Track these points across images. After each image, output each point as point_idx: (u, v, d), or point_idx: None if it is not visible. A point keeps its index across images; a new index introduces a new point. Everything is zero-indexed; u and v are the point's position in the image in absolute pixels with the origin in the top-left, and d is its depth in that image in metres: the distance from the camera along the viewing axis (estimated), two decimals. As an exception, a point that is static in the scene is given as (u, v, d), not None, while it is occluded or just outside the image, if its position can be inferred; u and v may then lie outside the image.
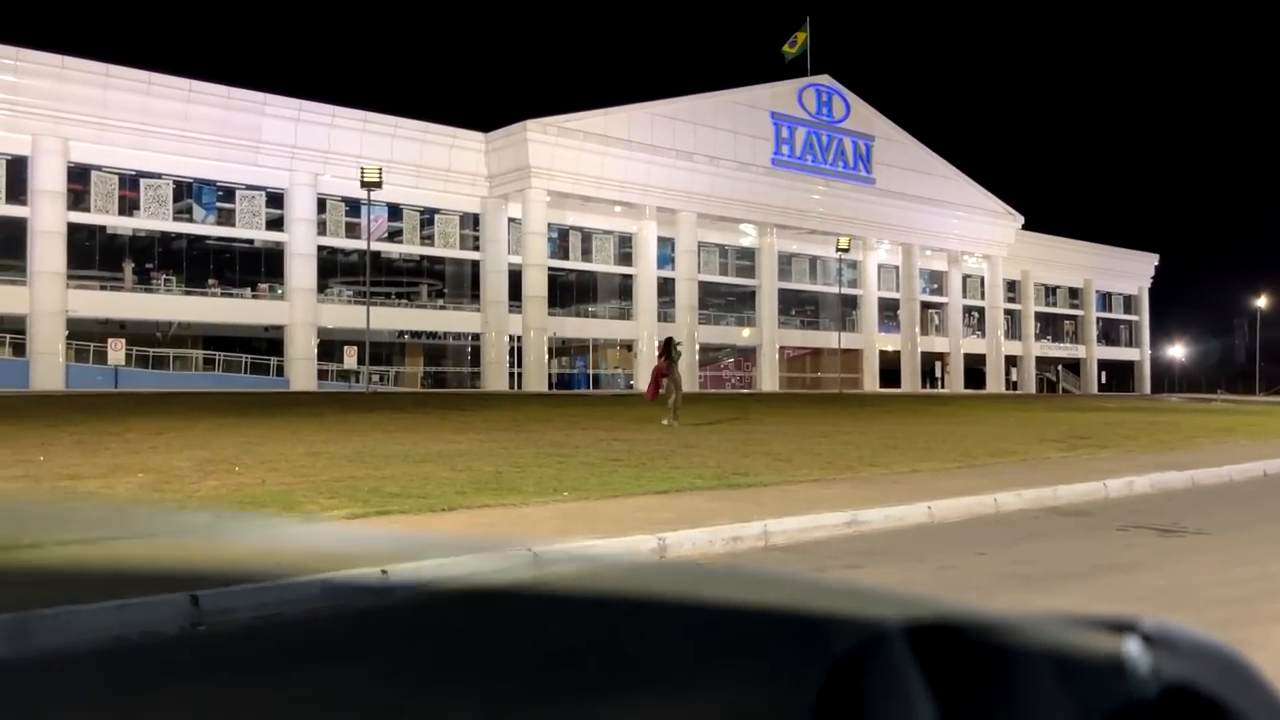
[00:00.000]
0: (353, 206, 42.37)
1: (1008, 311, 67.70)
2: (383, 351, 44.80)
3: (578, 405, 27.92)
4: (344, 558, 4.74)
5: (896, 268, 60.34)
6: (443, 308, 46.19)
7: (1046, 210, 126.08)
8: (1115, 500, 10.01)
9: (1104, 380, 75.36)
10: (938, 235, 59.85)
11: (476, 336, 46.27)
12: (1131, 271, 77.15)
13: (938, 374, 62.76)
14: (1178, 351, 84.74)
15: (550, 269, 45.36)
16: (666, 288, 49.75)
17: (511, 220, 45.66)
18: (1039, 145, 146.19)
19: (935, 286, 64.70)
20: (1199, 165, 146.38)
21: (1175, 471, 11.51)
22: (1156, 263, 78.31)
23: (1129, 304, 79.54)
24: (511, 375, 45.49)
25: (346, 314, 41.78)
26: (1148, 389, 76.78)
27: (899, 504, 8.43)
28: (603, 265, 50.02)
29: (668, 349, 18.44)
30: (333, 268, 43.43)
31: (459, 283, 46.72)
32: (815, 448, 13.61)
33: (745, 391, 50.46)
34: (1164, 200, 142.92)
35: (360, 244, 41.10)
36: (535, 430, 16.33)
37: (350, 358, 42.37)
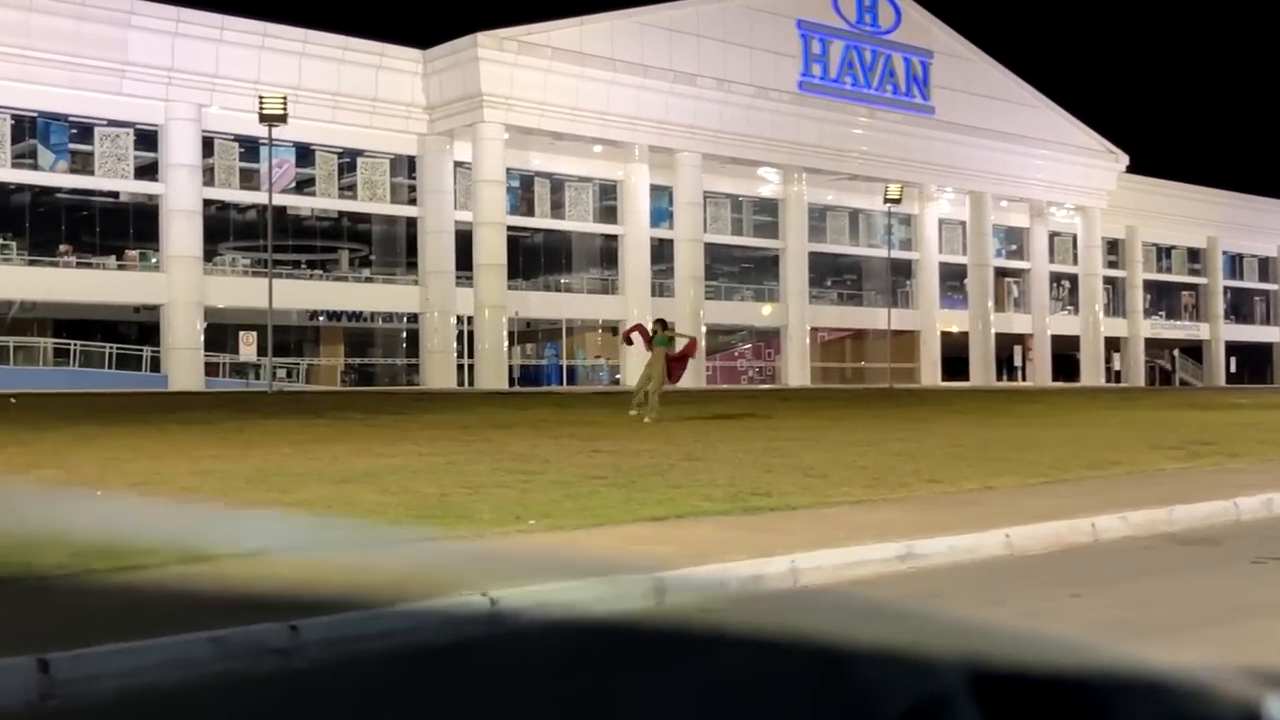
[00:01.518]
0: (249, 148, 42.23)
1: (1108, 280, 67.99)
2: (290, 338, 44.69)
3: (547, 406, 27.98)
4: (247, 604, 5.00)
5: (963, 224, 60.46)
6: (369, 280, 46.18)
7: (1158, 149, 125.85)
8: (1250, 525, 10.18)
9: (1234, 368, 75.76)
10: (1016, 180, 60.03)
11: (414, 318, 46.27)
12: (1270, 226, 77.39)
13: (1017, 362, 63.16)
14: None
15: (510, 228, 45.33)
16: (663, 252, 49.71)
17: (459, 165, 45.62)
18: (1148, 66, 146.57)
19: (1014, 248, 64.85)
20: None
21: (1328, 487, 11.59)
22: (1303, 214, 78.58)
23: (1266, 269, 79.85)
24: (460, 368, 45.62)
25: (242, 289, 41.67)
26: (1291, 379, 77.27)
27: (968, 531, 8.57)
28: (579, 223, 49.97)
29: (659, 330, 21.24)
30: (224, 228, 43.27)
31: (390, 247, 46.66)
32: (859, 459, 13.93)
33: (767, 387, 50.63)
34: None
35: (260, 197, 40.95)
36: (492, 439, 16.67)
37: (248, 347, 42.28)
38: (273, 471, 11.78)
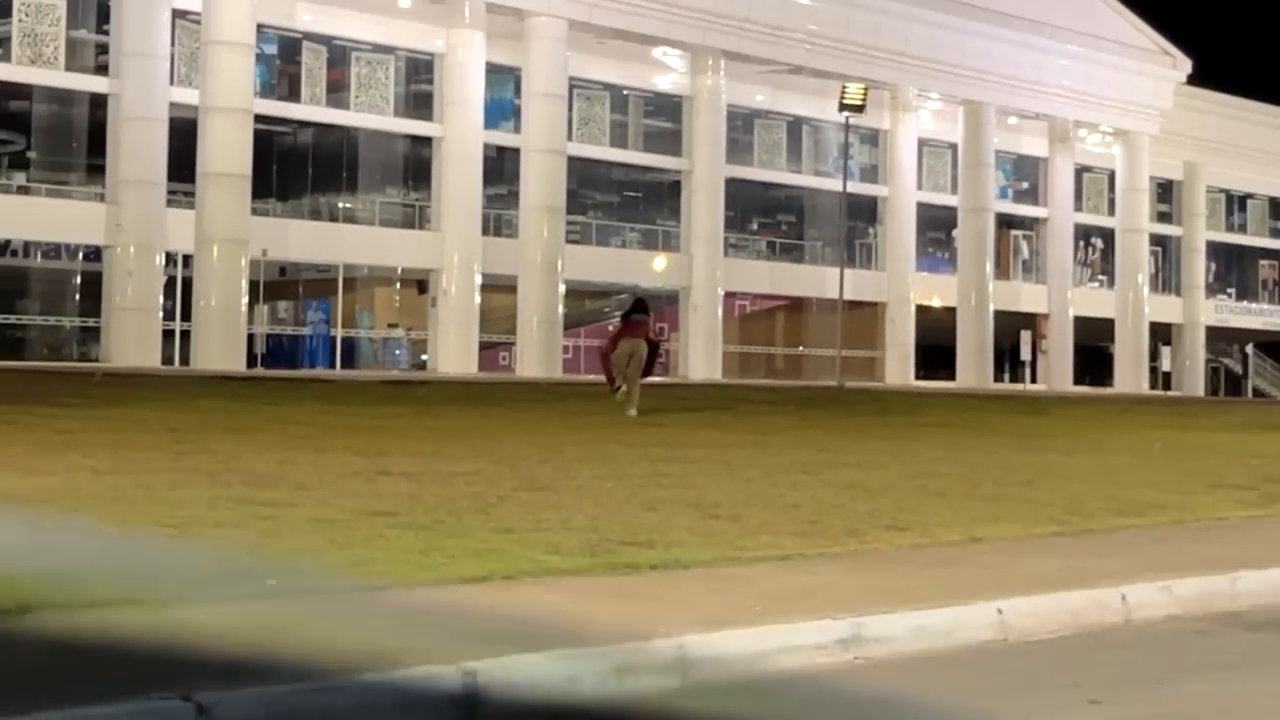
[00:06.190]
0: None
1: (1157, 240, 69.42)
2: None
3: (310, 401, 27.74)
4: None
5: (953, 148, 61.55)
6: (24, 191, 45.18)
7: (1233, 56, 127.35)
8: (1350, 600, 10.41)
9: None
10: (1032, 87, 61.25)
11: (96, 254, 45.19)
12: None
13: (1025, 354, 63.56)
14: None
15: (260, 119, 44.67)
16: (504, 167, 49.72)
17: (180, 15, 44.86)
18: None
19: (1025, 187, 66.02)
20: None
21: None
22: None
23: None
24: (169, 336, 45.03)
25: None
26: None
27: (944, 603, 8.78)
28: (372, 116, 49.60)
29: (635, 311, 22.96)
30: None
31: (61, 140, 45.94)
32: (788, 493, 14.25)
33: (657, 380, 49.74)
34: None
35: None
36: (217, 451, 16.39)
37: None
38: None
